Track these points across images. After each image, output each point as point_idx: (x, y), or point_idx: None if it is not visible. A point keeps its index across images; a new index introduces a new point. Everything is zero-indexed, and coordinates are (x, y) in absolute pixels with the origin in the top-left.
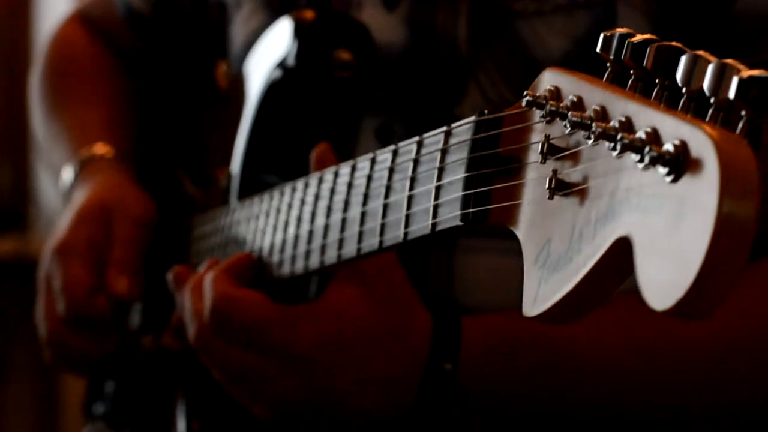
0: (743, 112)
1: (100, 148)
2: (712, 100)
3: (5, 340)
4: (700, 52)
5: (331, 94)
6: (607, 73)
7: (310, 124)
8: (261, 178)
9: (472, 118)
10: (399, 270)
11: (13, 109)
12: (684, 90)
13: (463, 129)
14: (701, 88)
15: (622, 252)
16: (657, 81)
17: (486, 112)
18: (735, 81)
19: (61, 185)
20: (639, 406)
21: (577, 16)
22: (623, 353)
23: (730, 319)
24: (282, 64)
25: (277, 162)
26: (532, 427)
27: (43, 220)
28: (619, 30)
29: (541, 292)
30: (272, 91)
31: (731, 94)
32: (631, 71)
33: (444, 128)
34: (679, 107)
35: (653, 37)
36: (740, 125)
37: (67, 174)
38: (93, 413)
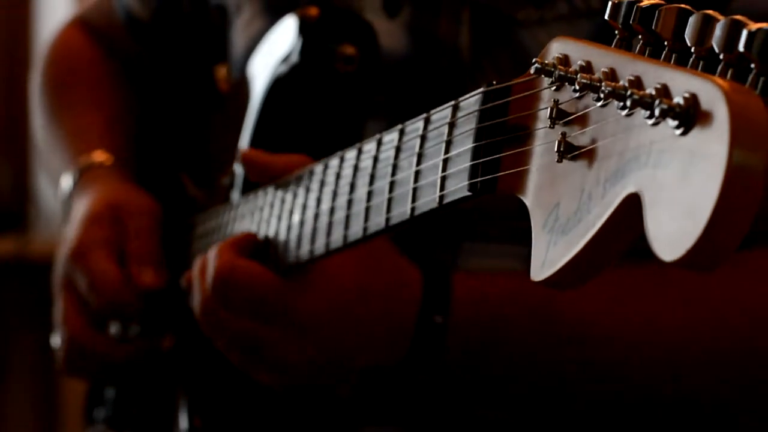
0: (753, 65)
1: (99, 156)
2: (721, 56)
3: (5, 340)
4: (709, 11)
5: (336, 89)
6: (615, 40)
7: (315, 120)
8: None
9: (481, 89)
10: (386, 240)
11: (13, 110)
12: (693, 50)
13: (471, 101)
14: (710, 46)
15: (631, 209)
16: (666, 44)
17: (495, 82)
18: (744, 33)
19: (60, 193)
20: (631, 379)
21: (579, 24)
22: (619, 323)
23: (725, 304)
24: (287, 61)
25: None
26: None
27: (43, 220)
28: None
29: (550, 255)
30: (277, 87)
31: (741, 47)
32: (640, 36)
33: (452, 102)
34: (689, 66)
35: (661, 1)
36: (750, 78)
37: (66, 181)
38: (94, 418)
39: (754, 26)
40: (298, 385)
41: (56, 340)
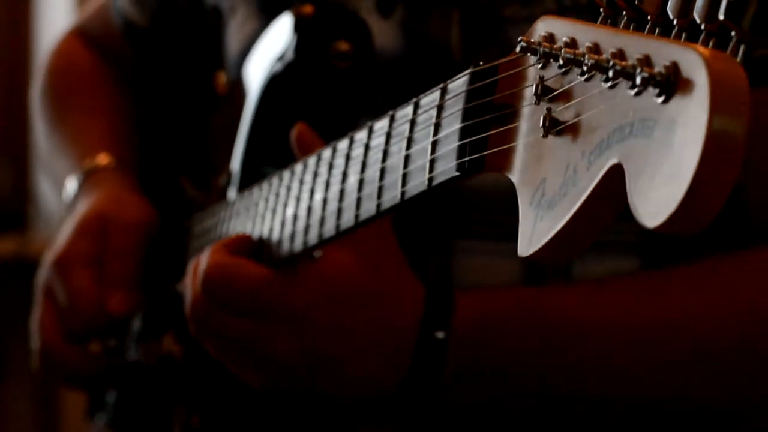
0: (733, 33)
1: (103, 159)
2: (703, 27)
3: (5, 340)
4: None
5: (331, 85)
6: (600, 18)
7: (311, 117)
8: (261, 172)
9: (468, 70)
10: (392, 239)
11: (13, 110)
12: (675, 22)
13: (459, 83)
14: (692, 18)
15: (616, 180)
16: (649, 18)
17: (481, 63)
18: (724, 2)
19: (65, 196)
20: (633, 391)
21: None
22: (622, 336)
23: (729, 305)
24: (282, 58)
25: (277, 157)
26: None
27: (43, 220)
28: None
29: (537, 229)
30: (272, 85)
31: (721, 16)
32: (624, 12)
33: (440, 85)
34: (671, 38)
35: None
36: (731, 45)
37: (71, 185)
38: (95, 420)
39: None
40: (290, 390)
41: (34, 345)
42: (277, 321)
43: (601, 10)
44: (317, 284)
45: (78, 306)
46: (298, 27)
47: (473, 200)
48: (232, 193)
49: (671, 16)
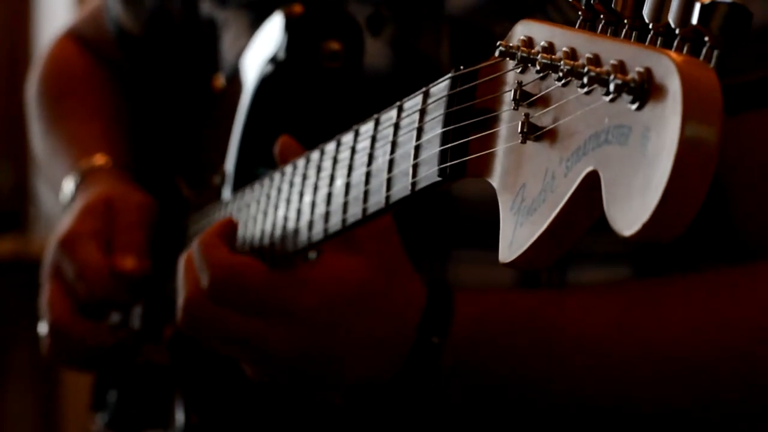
0: (706, 39)
1: (99, 159)
2: (677, 31)
3: (5, 340)
4: None
5: (321, 84)
6: (579, 21)
7: (302, 116)
8: (255, 172)
9: (449, 74)
10: (397, 242)
11: (14, 110)
12: (651, 26)
13: (440, 87)
14: (667, 23)
15: (593, 186)
16: (626, 22)
17: (462, 67)
18: (698, 7)
19: (62, 197)
20: (630, 399)
21: None
22: (618, 344)
23: (729, 321)
24: (273, 59)
25: (271, 157)
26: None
27: (43, 221)
28: None
29: (517, 235)
30: (264, 85)
31: (694, 21)
32: (602, 16)
33: (423, 89)
34: (647, 43)
35: None
36: (704, 51)
37: (68, 185)
38: (97, 417)
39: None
40: (285, 385)
41: (43, 328)
42: (282, 320)
43: (580, 13)
44: (324, 285)
45: (87, 275)
46: (289, 26)
47: (470, 208)
48: (226, 193)
49: (646, 20)
